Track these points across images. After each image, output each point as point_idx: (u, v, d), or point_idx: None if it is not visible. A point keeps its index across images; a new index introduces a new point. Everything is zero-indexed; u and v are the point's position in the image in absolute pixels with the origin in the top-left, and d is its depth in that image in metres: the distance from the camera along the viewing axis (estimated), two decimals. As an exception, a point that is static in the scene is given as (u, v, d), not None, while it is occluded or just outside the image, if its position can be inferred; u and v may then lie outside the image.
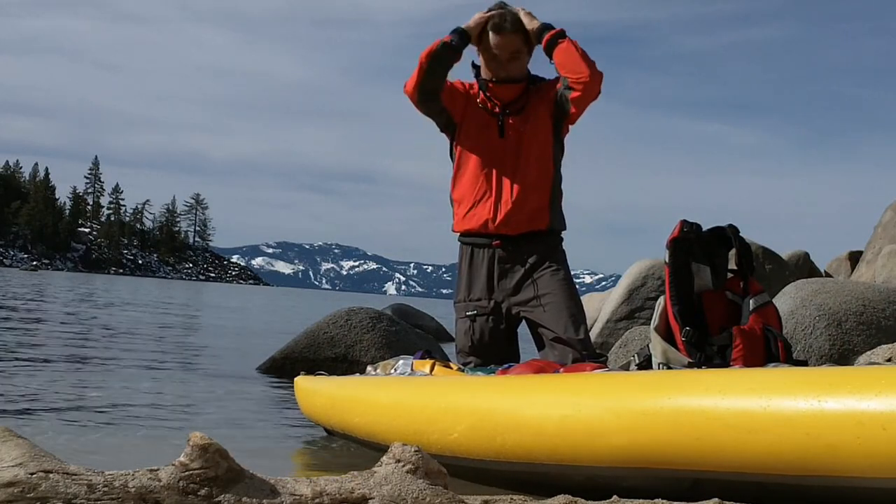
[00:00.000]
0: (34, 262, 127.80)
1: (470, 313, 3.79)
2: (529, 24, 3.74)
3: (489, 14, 3.76)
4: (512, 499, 2.27)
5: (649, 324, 3.03)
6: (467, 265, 3.82)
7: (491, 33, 3.73)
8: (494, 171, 3.73)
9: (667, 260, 2.98)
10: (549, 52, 3.69)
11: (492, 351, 3.70)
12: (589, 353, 3.56)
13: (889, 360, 4.93)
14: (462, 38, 3.74)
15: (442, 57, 3.72)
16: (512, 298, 3.74)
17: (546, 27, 3.71)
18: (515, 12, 3.76)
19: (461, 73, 3.88)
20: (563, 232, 3.86)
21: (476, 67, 3.84)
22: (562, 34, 3.67)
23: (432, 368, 3.58)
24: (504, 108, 3.76)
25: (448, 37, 3.74)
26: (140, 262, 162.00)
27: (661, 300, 2.98)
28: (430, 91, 3.75)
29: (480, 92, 3.80)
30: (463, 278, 3.84)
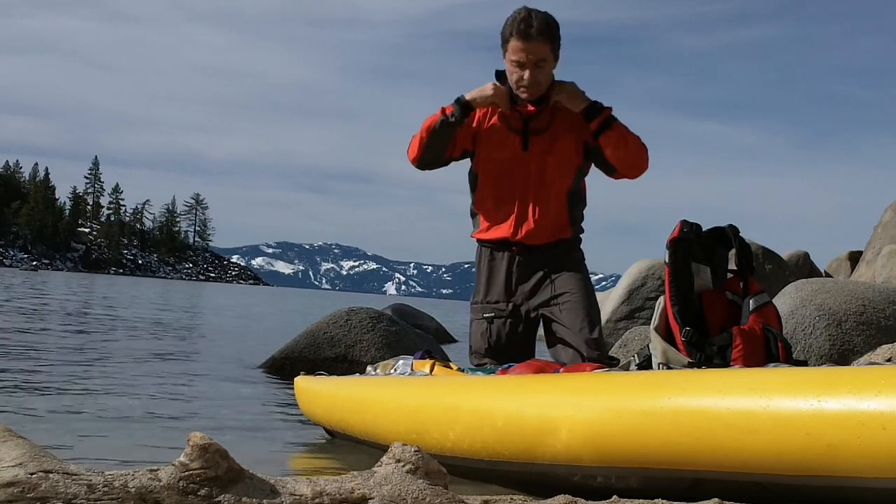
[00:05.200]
0: (34, 263, 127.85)
1: (487, 315, 3.76)
2: (576, 105, 3.63)
3: (503, 95, 3.64)
4: (512, 499, 2.27)
5: (649, 324, 3.03)
6: (486, 267, 3.79)
7: (514, 39, 3.59)
8: (517, 186, 3.68)
9: (667, 260, 2.98)
10: (597, 135, 3.61)
11: (508, 353, 3.66)
12: (602, 354, 3.55)
13: (889, 360, 4.93)
14: (464, 111, 3.65)
15: (442, 134, 3.65)
16: (530, 301, 3.72)
17: (595, 108, 3.62)
18: (543, 15, 3.62)
19: (482, 79, 3.73)
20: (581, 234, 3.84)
21: (499, 73, 3.74)
22: (611, 119, 3.60)
23: (432, 368, 3.58)
24: (528, 120, 3.68)
25: (450, 107, 3.64)
26: (140, 262, 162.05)
27: (661, 300, 2.98)
28: (432, 162, 3.76)
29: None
30: (481, 280, 3.80)
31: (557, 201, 3.70)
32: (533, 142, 3.68)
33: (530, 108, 3.68)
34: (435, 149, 3.70)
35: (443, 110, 3.66)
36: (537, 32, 3.57)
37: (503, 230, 3.72)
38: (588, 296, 3.69)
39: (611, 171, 3.70)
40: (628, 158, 3.64)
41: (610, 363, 3.31)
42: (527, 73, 3.60)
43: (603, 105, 3.64)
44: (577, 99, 3.63)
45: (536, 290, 3.71)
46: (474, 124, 3.75)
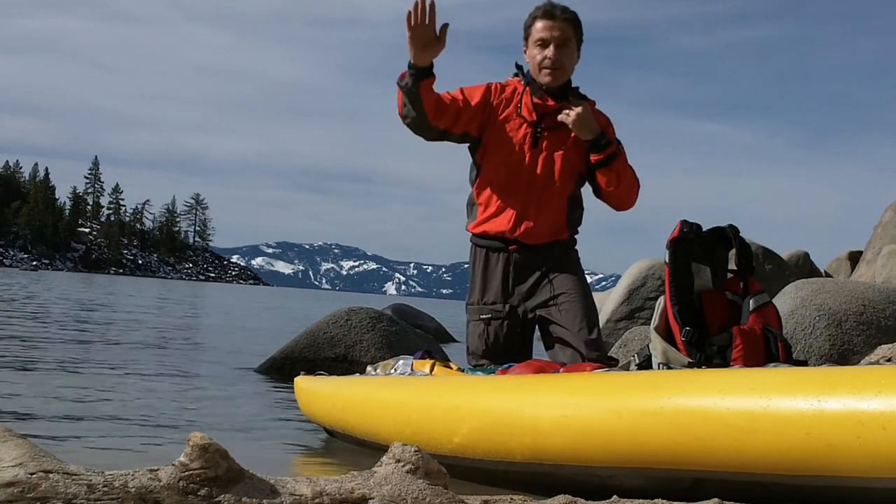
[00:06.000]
0: (34, 263, 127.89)
1: (484, 317, 3.73)
2: (582, 134, 3.57)
3: (419, 20, 3.39)
4: (512, 499, 2.27)
5: (649, 324, 3.03)
6: (482, 268, 3.76)
7: (539, 20, 3.62)
8: (522, 181, 3.65)
9: (667, 260, 2.98)
10: (594, 168, 3.62)
11: (506, 354, 3.65)
12: (601, 355, 3.54)
13: (889, 360, 4.93)
14: (417, 75, 3.45)
15: (408, 103, 3.52)
16: (527, 302, 3.70)
17: (598, 144, 3.57)
18: (566, 6, 3.64)
19: (483, 78, 3.61)
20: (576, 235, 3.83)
21: (519, 68, 3.73)
22: (611, 158, 3.59)
23: (432, 368, 3.58)
24: (542, 117, 3.65)
25: (404, 73, 3.49)
26: (140, 262, 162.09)
27: (661, 300, 2.97)
28: (417, 125, 3.59)
29: (527, 90, 3.66)
30: (477, 281, 3.77)
31: (559, 202, 3.69)
32: (544, 138, 3.65)
33: (550, 102, 3.65)
34: (410, 112, 3.55)
35: (399, 77, 3.53)
36: (561, 13, 3.62)
37: (501, 224, 3.69)
38: (585, 296, 3.68)
39: (598, 194, 3.76)
40: (615, 196, 3.71)
41: (609, 363, 3.30)
42: (550, 50, 3.59)
43: (609, 141, 3.60)
44: (585, 129, 3.57)
45: (534, 290, 3.70)
46: (484, 112, 3.68)
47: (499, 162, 3.69)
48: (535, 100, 3.66)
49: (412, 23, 3.41)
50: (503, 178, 3.69)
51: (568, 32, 3.62)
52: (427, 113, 3.55)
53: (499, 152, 3.69)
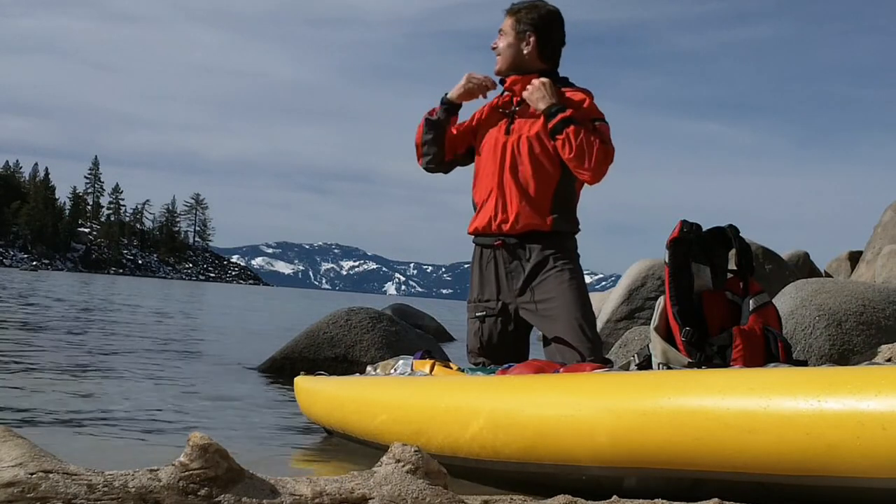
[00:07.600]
0: (34, 263, 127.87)
1: (479, 314, 3.77)
2: (535, 104, 3.61)
3: (479, 79, 3.78)
4: (512, 499, 2.27)
5: (649, 324, 3.03)
6: (478, 266, 3.80)
7: None
8: (498, 169, 3.68)
9: (667, 260, 2.98)
10: (551, 134, 3.59)
11: (501, 352, 3.67)
12: (596, 358, 3.51)
13: (889, 360, 4.93)
14: (448, 110, 3.83)
15: (431, 133, 3.84)
16: (518, 299, 3.71)
17: (551, 112, 3.57)
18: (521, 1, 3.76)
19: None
20: (575, 234, 3.77)
21: None
22: (562, 124, 3.53)
23: (432, 368, 3.58)
24: (520, 104, 3.72)
25: (435, 109, 3.84)
26: (140, 262, 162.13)
27: (661, 300, 2.97)
28: (436, 164, 3.89)
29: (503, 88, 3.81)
30: (474, 279, 3.82)
31: (539, 189, 3.63)
32: (516, 126, 3.70)
33: (518, 89, 3.72)
34: (430, 149, 3.84)
35: (429, 113, 3.83)
36: (508, 7, 3.78)
37: (486, 217, 3.72)
38: (574, 299, 3.62)
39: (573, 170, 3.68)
40: (575, 164, 3.57)
41: (605, 364, 3.30)
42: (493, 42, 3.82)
43: (563, 108, 3.57)
44: (539, 100, 3.60)
45: (523, 290, 3.70)
46: (474, 122, 3.84)
47: (484, 157, 3.77)
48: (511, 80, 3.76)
49: (475, 84, 3.80)
50: (486, 170, 3.74)
51: (505, 24, 3.77)
52: (444, 150, 3.85)
53: (484, 148, 3.77)
